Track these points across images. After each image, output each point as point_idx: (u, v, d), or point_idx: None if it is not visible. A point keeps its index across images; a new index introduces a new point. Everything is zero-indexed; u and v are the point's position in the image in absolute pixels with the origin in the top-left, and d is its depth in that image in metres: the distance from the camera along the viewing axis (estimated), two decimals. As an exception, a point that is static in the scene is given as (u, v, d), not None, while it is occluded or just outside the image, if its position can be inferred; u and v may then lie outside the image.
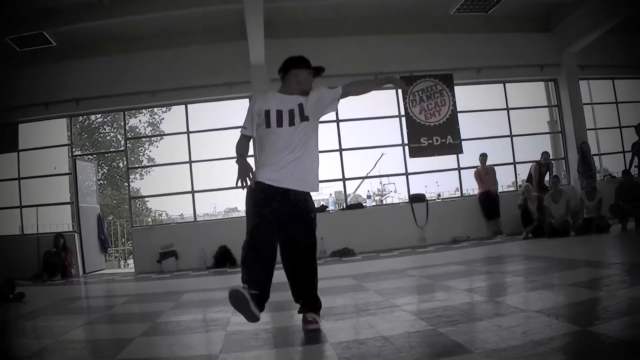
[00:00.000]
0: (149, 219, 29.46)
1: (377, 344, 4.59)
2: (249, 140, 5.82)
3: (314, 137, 5.70)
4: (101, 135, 34.50)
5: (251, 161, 6.14)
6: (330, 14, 16.33)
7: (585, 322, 4.53)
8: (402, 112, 17.03)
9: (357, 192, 19.64)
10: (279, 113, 5.59)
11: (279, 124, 5.53)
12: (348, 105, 16.75)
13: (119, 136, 33.03)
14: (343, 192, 17.34)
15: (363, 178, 18.17)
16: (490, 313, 5.42)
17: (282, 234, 5.41)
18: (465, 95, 17.67)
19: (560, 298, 6.04)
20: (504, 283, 7.79)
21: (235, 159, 5.50)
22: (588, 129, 18.44)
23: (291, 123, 5.55)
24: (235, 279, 12.37)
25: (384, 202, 20.15)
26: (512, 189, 18.95)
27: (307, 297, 5.61)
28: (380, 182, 20.53)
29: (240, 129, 5.82)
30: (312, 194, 5.65)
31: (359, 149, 17.50)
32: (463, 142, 17.10)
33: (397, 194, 19.80)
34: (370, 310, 6.30)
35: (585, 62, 18.19)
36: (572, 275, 7.60)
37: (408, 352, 4.27)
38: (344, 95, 5.92)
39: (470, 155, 17.22)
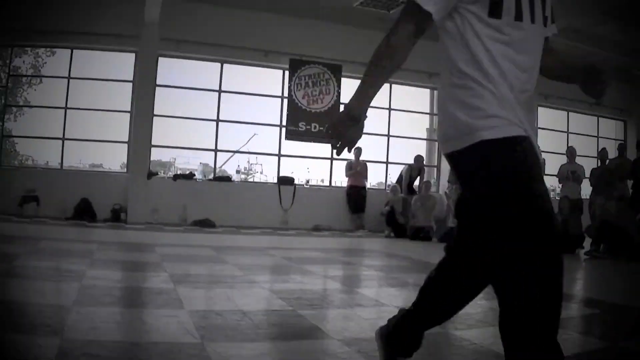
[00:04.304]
0: (15, 162, 28.44)
1: (234, 317, 4.52)
2: (417, 34, 2.62)
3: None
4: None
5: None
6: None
7: (448, 326, 4.57)
8: (286, 94, 16.97)
9: (225, 166, 19.48)
10: None
11: (518, 15, 2.50)
12: (232, 77, 16.64)
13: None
14: (213, 162, 17.15)
15: (234, 152, 18.01)
16: (351, 302, 5.50)
17: None
18: (352, 89, 17.62)
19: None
20: (364, 275, 7.91)
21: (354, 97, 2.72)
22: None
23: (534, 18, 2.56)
24: (94, 233, 12.13)
25: (249, 180, 20.05)
26: (381, 187, 19.15)
27: None
28: (248, 161, 20.39)
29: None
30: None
31: (237, 123, 17.30)
32: (340, 134, 17.04)
33: (264, 175, 19.71)
34: (229, 283, 6.26)
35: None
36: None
37: (267, 329, 4.27)
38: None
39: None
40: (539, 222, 2.34)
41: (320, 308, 5.14)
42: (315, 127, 16.79)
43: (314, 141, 17.02)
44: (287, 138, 16.94)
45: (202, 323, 4.22)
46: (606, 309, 5.94)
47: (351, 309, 5.18)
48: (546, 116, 20.97)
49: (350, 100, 2.72)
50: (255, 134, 17.56)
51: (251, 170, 20.55)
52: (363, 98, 2.71)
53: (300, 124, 16.76)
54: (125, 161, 16.44)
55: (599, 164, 15.16)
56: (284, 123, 17.02)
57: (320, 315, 4.84)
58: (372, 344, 3.81)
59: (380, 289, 6.64)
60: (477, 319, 5.01)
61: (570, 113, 21.67)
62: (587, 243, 12.76)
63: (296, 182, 17.19)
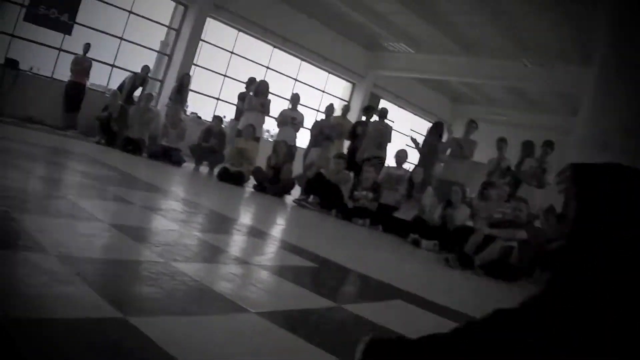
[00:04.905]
0: None
1: None
2: None
3: None
4: None
5: None
6: None
7: (167, 256, 4.49)
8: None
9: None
10: None
11: None
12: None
13: None
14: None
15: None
16: (64, 212, 5.25)
17: None
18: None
19: (133, 215, 6.11)
20: (76, 182, 7.61)
21: None
22: (194, 64, 19.24)
23: None
24: None
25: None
26: (100, 89, 18.61)
27: None
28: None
29: None
30: None
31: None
32: (81, 29, 16.63)
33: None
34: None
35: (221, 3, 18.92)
36: (141, 195, 7.87)
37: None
38: None
39: (79, 43, 16.57)
40: None
41: (33, 213, 4.78)
42: (54, 13, 15.93)
43: (48, 28, 16.16)
44: (24, 19, 15.80)
45: None
46: (322, 262, 6.20)
47: (65, 219, 4.93)
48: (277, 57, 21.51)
49: None
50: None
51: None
52: None
53: (41, 7, 15.76)
54: None
55: (323, 119, 15.78)
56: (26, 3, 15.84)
57: (34, 221, 4.44)
58: (92, 266, 3.63)
59: (93, 200, 6.38)
60: (194, 251, 5.02)
61: (302, 62, 22.32)
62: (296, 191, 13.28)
63: (20, 67, 16.17)
